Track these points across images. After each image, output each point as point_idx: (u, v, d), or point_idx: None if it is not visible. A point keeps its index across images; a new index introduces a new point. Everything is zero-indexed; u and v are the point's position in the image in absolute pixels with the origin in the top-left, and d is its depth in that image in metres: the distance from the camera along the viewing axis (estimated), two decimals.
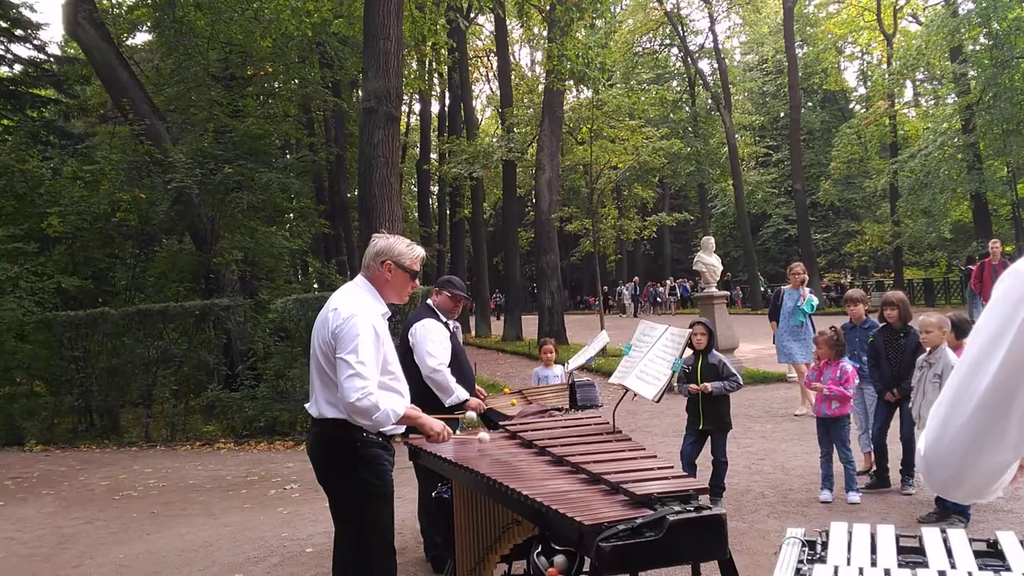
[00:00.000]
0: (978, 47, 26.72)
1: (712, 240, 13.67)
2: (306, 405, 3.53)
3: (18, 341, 13.00)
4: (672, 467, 2.86)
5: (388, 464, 3.47)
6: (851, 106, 45.19)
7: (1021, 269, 1.25)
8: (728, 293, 15.79)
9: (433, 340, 5.38)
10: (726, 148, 35.40)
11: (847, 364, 6.26)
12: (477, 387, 5.63)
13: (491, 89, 44.10)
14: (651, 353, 3.60)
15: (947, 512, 5.52)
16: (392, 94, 12.73)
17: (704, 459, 6.43)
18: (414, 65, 28.16)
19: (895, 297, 6.53)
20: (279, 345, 11.53)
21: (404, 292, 3.59)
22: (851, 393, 6.26)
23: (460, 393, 5.27)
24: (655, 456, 3.06)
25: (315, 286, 19.51)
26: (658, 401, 3.38)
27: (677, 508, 2.32)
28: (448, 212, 36.42)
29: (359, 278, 3.56)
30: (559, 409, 4.52)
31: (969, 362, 1.26)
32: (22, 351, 13.01)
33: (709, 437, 6.26)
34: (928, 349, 5.71)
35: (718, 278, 13.66)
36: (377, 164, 12.63)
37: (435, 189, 39.36)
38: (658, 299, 40.68)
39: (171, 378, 12.50)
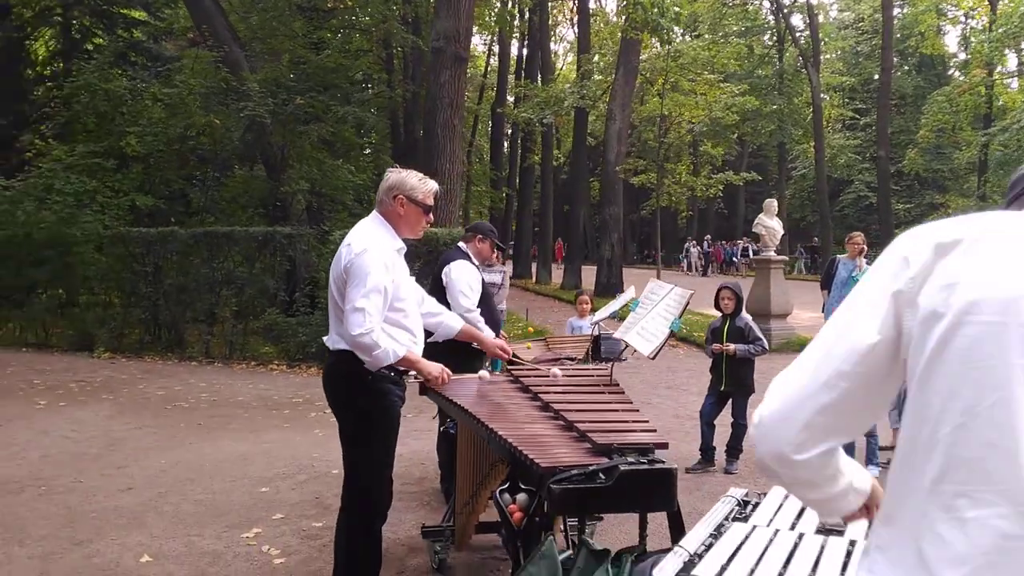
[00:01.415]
0: None
1: (775, 203, 13.40)
2: (324, 337, 3.68)
3: (96, 253, 13.64)
4: (647, 422, 2.96)
5: (397, 398, 3.57)
6: (949, 72, 43.11)
7: (911, 232, 1.28)
8: (786, 258, 15.51)
9: (466, 282, 5.53)
10: (811, 108, 34.28)
11: None
12: (501, 332, 5.77)
13: (575, 34, 43.44)
14: (655, 311, 3.67)
15: None
16: (461, 34, 12.75)
17: (725, 420, 6.48)
18: (497, 4, 27.95)
19: None
20: None
21: (418, 227, 3.62)
22: None
23: (488, 333, 5.42)
24: (637, 411, 3.16)
25: None
26: (653, 358, 3.46)
27: (631, 459, 2.42)
28: (520, 157, 36.32)
29: (374, 213, 3.59)
30: (571, 359, 4.63)
31: (835, 327, 1.28)
32: (99, 263, 13.66)
33: (731, 399, 6.31)
34: None
35: (777, 242, 13.43)
36: (441, 105, 12.73)
37: (509, 133, 39.22)
38: (734, 259, 40.00)
39: (233, 299, 13.01)
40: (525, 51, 33.17)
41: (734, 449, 6.22)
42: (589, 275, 23.38)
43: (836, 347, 1.27)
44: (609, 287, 21.14)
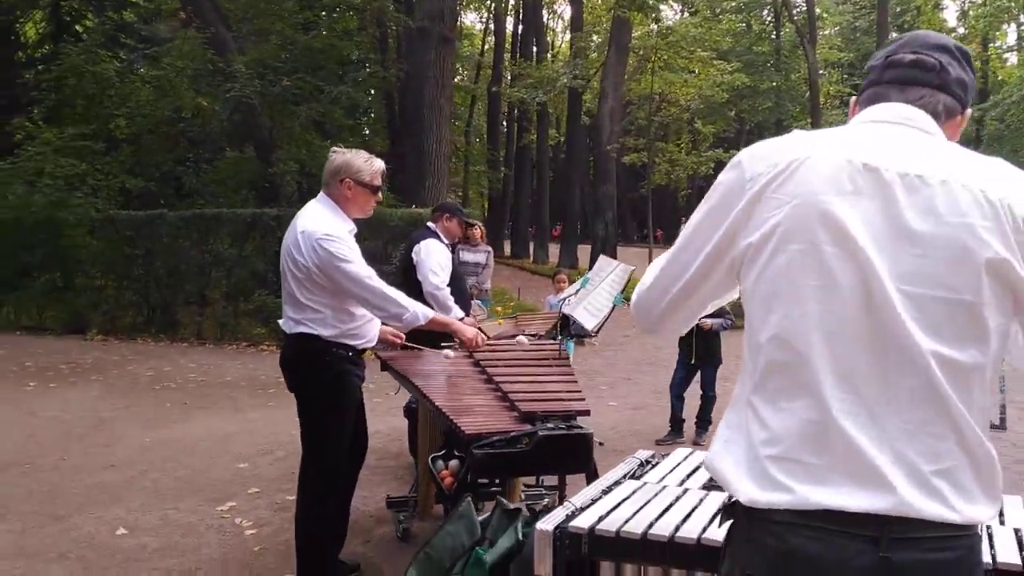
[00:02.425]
0: None
1: None
2: (280, 321, 3.76)
3: (88, 236, 13.77)
4: (579, 392, 3.08)
5: (355, 378, 3.65)
6: None
7: (752, 151, 1.46)
8: None
9: (436, 260, 5.64)
10: (808, 85, 34.17)
11: None
12: (472, 311, 5.89)
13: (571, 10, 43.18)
14: (601, 287, 3.78)
15: None
16: (446, 14, 12.80)
17: (694, 393, 6.62)
18: None
19: None
20: None
21: (367, 207, 3.66)
22: None
23: (457, 312, 5.53)
24: (575, 382, 3.28)
25: None
26: (595, 333, 3.57)
27: (551, 425, 2.55)
28: (516, 137, 36.29)
29: (321, 195, 3.63)
30: (533, 335, 4.75)
31: (688, 232, 1.50)
32: (91, 246, 13.79)
33: (699, 371, 6.44)
34: None
35: None
36: (427, 84, 12.80)
37: (506, 112, 39.14)
38: None
39: (223, 281, 13.14)
40: (519, 30, 33.06)
41: (703, 420, 6.36)
42: (586, 254, 23.48)
43: (684, 252, 1.50)
44: None
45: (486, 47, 41.20)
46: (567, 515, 1.90)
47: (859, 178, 1.34)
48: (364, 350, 3.68)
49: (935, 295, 1.29)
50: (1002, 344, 1.35)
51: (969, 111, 1.53)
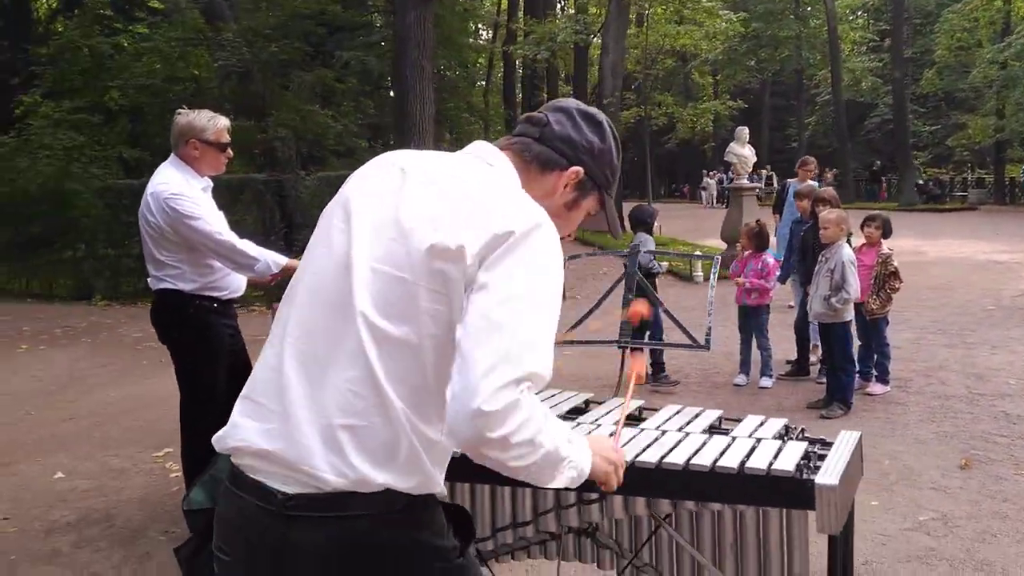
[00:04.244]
0: None
1: (746, 130, 13.41)
2: (148, 279, 3.93)
3: (88, 205, 14.21)
4: None
5: (223, 327, 3.89)
6: None
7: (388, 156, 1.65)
8: (759, 185, 15.54)
9: None
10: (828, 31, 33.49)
11: (769, 257, 6.46)
12: None
13: None
14: None
15: (831, 401, 5.78)
16: None
17: None
18: None
19: (827, 194, 6.60)
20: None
21: (218, 163, 3.87)
22: (771, 286, 6.46)
23: None
24: None
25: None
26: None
27: None
28: (529, 96, 36.12)
29: (172, 156, 3.84)
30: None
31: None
32: (91, 215, 14.23)
33: None
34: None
35: (750, 169, 13.51)
36: (408, 46, 12.91)
37: (520, 72, 38.93)
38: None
39: None
40: None
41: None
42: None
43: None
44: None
45: (501, 6, 40.93)
46: None
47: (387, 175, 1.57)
48: (231, 300, 3.92)
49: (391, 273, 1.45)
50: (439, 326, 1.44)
51: (579, 169, 1.63)
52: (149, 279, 3.87)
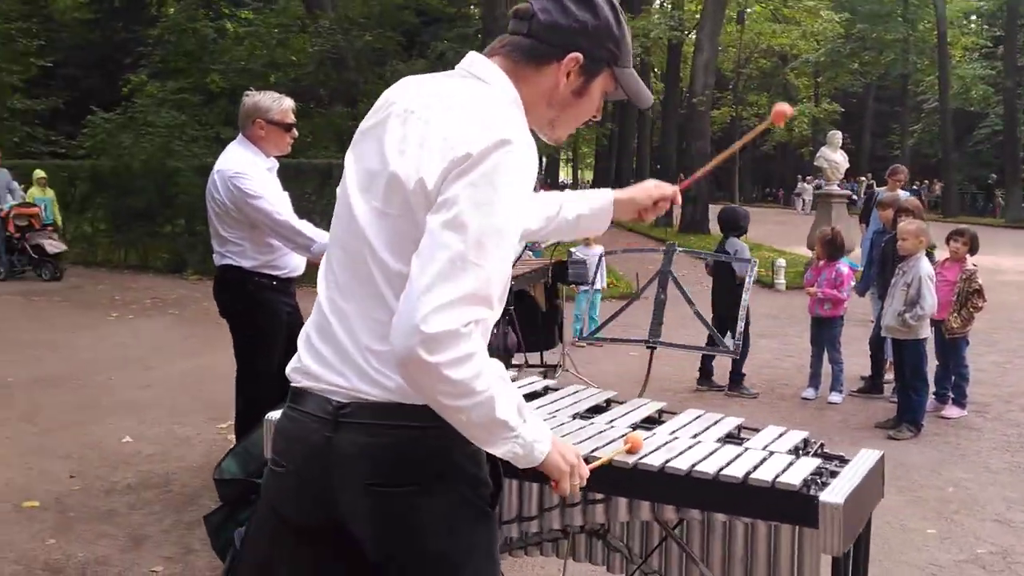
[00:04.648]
0: None
1: (839, 135, 13.01)
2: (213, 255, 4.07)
3: (188, 183, 14.78)
4: None
5: (281, 305, 4.00)
6: None
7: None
8: (849, 192, 15.02)
9: None
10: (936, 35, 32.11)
11: (843, 266, 6.24)
12: None
13: None
14: None
15: (900, 421, 5.55)
16: None
17: None
18: None
19: (911, 204, 6.34)
20: None
21: (283, 144, 3.95)
22: (845, 296, 6.25)
23: None
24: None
25: None
26: None
27: None
28: None
29: (240, 136, 3.95)
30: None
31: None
32: (190, 192, 14.79)
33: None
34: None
35: (841, 176, 13.09)
36: (495, 36, 12.97)
37: None
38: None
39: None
40: None
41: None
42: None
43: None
44: (693, 224, 21.05)
45: None
46: None
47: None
48: (290, 279, 4.03)
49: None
50: None
51: (576, 55, 1.55)
52: (214, 255, 4.01)
